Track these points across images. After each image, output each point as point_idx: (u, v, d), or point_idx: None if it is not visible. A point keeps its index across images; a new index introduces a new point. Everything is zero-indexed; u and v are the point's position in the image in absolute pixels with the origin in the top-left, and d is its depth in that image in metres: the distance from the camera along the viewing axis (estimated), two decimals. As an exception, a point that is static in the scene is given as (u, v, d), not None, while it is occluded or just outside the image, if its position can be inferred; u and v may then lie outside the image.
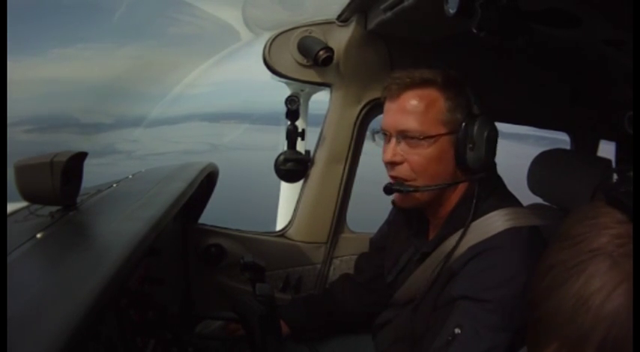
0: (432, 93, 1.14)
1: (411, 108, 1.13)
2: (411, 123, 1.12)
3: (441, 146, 1.13)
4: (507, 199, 1.19)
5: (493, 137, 1.14)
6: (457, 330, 1.01)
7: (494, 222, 1.10)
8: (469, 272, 1.06)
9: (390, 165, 1.16)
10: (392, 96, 1.16)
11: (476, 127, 1.12)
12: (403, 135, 1.14)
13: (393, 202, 1.22)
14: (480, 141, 1.12)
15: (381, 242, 1.50)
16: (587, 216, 0.44)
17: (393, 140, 1.15)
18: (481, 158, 1.13)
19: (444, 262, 1.12)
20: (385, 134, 1.19)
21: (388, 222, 1.52)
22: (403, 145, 1.14)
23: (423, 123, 1.12)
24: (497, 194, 1.18)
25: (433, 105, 1.13)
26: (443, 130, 1.13)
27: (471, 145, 1.12)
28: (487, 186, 1.16)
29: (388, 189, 1.18)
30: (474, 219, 1.12)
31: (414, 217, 1.31)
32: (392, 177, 1.18)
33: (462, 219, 1.14)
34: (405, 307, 1.25)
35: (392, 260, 1.37)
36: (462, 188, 1.18)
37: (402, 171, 1.15)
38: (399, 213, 1.42)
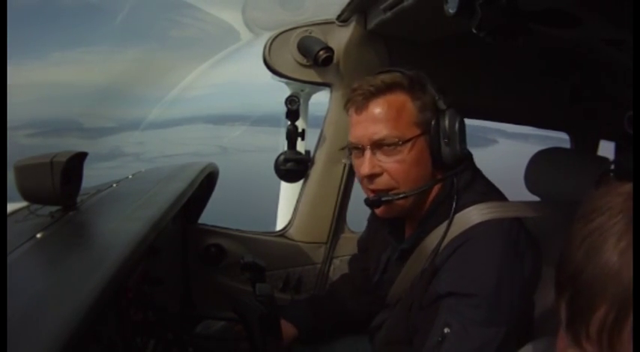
0: (400, 96, 1.12)
1: (382, 117, 1.10)
2: (386, 131, 1.09)
3: (418, 148, 1.11)
4: (488, 192, 1.16)
5: (463, 128, 1.13)
6: (446, 330, 1.00)
7: (473, 216, 1.08)
8: (451, 267, 1.04)
9: (369, 178, 1.13)
10: (359, 108, 1.13)
11: (447, 122, 1.11)
12: (379, 145, 1.11)
13: (377, 214, 1.18)
14: (453, 134, 1.11)
15: (364, 243, 1.50)
16: (608, 191, 0.46)
17: (368, 152, 1.11)
18: (457, 151, 1.12)
19: (427, 259, 1.10)
20: (357, 148, 1.15)
21: (369, 221, 1.49)
22: (380, 155, 1.11)
23: (398, 128, 1.10)
24: (475, 187, 1.15)
25: (404, 109, 1.11)
26: (417, 132, 1.11)
27: (446, 140, 1.11)
28: (464, 179, 1.15)
29: (375, 202, 1.13)
30: (457, 216, 1.10)
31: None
32: (372, 190, 1.14)
33: (439, 215, 1.12)
34: (395, 308, 1.24)
35: (374, 261, 1.36)
36: (437, 185, 1.16)
37: (383, 182, 1.12)
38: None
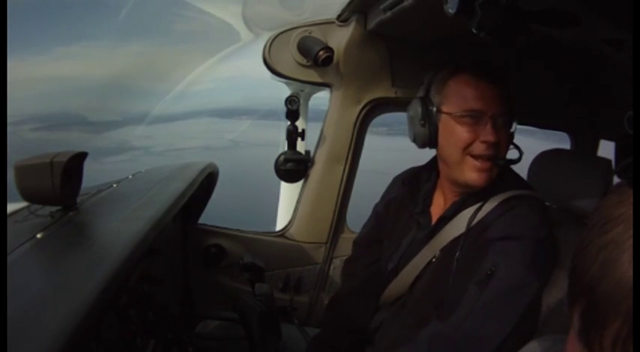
0: None
1: (504, 95, 1.24)
2: (505, 108, 1.23)
3: None
4: (522, 182, 1.30)
5: None
6: (493, 268, 1.12)
7: (508, 194, 1.22)
8: (505, 220, 1.17)
9: (488, 144, 1.21)
10: (492, 81, 1.23)
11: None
12: (499, 118, 1.21)
13: (477, 181, 1.24)
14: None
15: (371, 236, 1.49)
16: (621, 199, 0.45)
17: (490, 120, 1.21)
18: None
19: (467, 223, 1.22)
20: (477, 115, 1.21)
21: (377, 214, 1.50)
22: (496, 126, 1.21)
23: (509, 108, 1.25)
24: (516, 176, 1.30)
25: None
26: None
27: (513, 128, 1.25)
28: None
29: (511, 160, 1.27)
30: (497, 194, 1.23)
31: (420, 197, 1.36)
32: (485, 156, 1.21)
33: (484, 192, 1.23)
34: (411, 291, 1.29)
35: (392, 248, 1.38)
36: None
37: (497, 149, 1.22)
38: (392, 200, 1.45)
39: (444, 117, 1.25)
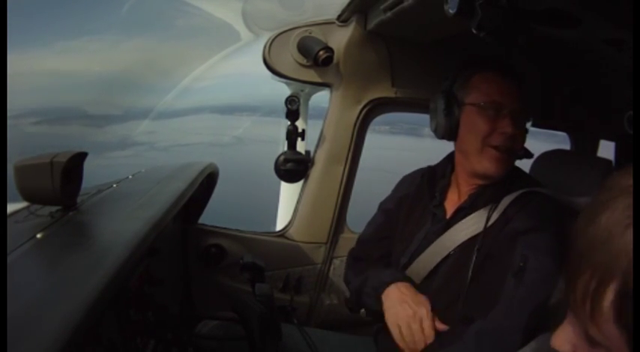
0: None
1: (523, 94, 1.30)
2: (523, 105, 1.29)
3: None
4: (533, 179, 1.35)
5: None
6: (524, 261, 1.16)
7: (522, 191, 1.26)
8: (527, 212, 1.21)
9: (510, 137, 1.26)
10: (514, 80, 1.29)
11: None
12: (518, 114, 1.27)
13: (495, 168, 1.28)
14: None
15: (380, 233, 1.49)
16: (622, 172, 0.50)
17: (509, 114, 1.26)
18: None
19: (486, 214, 1.25)
20: (496, 108, 1.26)
21: (386, 212, 1.50)
22: (515, 121, 1.26)
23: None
24: (527, 174, 1.36)
25: None
26: None
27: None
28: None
29: (508, 157, 1.29)
30: (511, 190, 1.27)
31: (437, 191, 1.38)
32: (503, 147, 1.26)
33: (499, 186, 1.28)
34: (431, 279, 1.30)
35: (404, 243, 1.38)
36: None
37: (513, 142, 1.27)
38: (405, 197, 1.46)
39: (467, 108, 1.29)
